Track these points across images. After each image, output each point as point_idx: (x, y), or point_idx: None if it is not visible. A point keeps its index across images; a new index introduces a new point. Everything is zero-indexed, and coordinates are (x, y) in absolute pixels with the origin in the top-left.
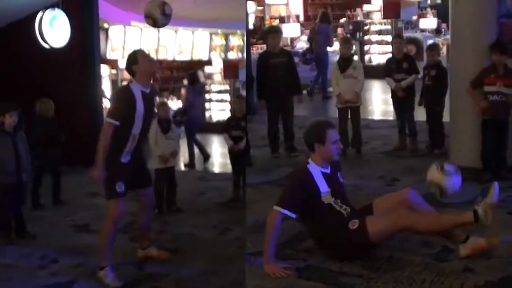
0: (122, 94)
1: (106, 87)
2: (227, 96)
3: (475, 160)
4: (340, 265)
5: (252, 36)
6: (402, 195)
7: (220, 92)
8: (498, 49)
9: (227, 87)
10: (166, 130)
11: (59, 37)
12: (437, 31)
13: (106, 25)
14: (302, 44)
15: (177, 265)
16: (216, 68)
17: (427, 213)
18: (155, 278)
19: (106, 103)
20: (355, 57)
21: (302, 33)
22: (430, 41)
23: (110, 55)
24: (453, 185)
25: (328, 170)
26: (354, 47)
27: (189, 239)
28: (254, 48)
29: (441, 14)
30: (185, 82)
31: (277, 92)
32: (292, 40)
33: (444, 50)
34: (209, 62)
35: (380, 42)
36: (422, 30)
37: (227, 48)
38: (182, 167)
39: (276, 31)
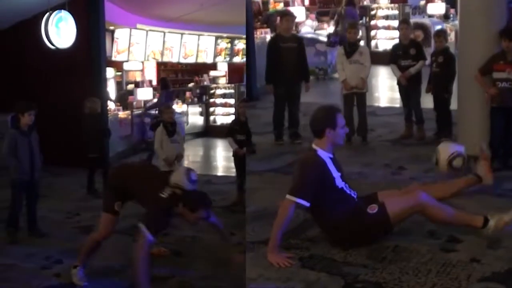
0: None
1: (111, 89)
2: (231, 100)
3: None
4: (345, 254)
5: (256, 19)
6: (412, 199)
7: (224, 96)
8: (508, 35)
9: (231, 91)
10: (172, 134)
11: (65, 39)
12: (445, 17)
13: (112, 27)
14: (307, 29)
15: (181, 267)
16: (221, 72)
17: (444, 205)
18: (158, 280)
19: (111, 105)
20: (362, 43)
21: (307, 17)
22: (438, 27)
23: (115, 57)
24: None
25: (332, 155)
26: (360, 32)
27: (192, 242)
28: (258, 32)
29: None
30: (190, 85)
31: (286, 78)
32: (297, 24)
33: (452, 36)
34: (214, 66)
35: (387, 28)
36: (430, 16)
37: (232, 52)
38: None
39: (290, 14)
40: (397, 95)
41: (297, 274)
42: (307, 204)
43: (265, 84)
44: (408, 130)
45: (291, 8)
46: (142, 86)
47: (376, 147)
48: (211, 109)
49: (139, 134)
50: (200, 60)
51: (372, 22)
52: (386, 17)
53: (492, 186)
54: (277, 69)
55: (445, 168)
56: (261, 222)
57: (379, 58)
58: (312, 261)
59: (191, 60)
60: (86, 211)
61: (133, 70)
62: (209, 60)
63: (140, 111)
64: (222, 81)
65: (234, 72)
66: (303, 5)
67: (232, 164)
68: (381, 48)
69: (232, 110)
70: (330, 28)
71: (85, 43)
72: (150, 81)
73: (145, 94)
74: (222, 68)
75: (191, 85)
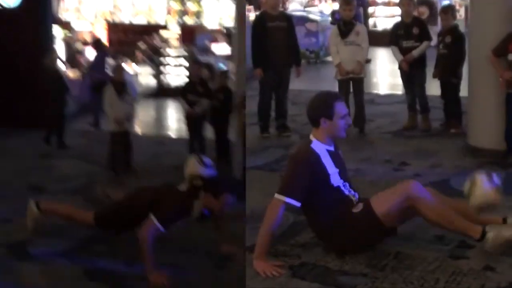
0: None
1: (61, 49)
2: (183, 61)
3: (498, 140)
4: (340, 262)
5: None
6: (402, 190)
7: (177, 57)
8: None
9: (183, 52)
10: (121, 93)
11: None
12: None
13: None
14: (296, 6)
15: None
16: (172, 33)
17: (441, 204)
18: (110, 238)
19: (61, 65)
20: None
21: None
22: (445, 2)
23: (64, 17)
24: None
25: (332, 148)
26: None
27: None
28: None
29: None
30: (141, 45)
31: (275, 61)
32: (284, 0)
33: (461, 12)
34: (165, 27)
35: (387, 4)
36: None
37: (183, 13)
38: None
39: None
40: (398, 80)
41: (287, 285)
42: (297, 204)
43: (252, 68)
44: (411, 121)
45: None
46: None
47: (375, 140)
48: (163, 70)
49: (89, 94)
50: (151, 21)
51: None
52: None
53: (507, 183)
54: (264, 51)
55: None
56: (246, 226)
57: (378, 39)
58: (303, 270)
59: (142, 20)
60: (37, 170)
61: (82, 31)
62: (161, 20)
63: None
64: (174, 42)
65: (185, 33)
66: None
67: (184, 125)
68: (380, 27)
69: (184, 71)
70: (321, 5)
71: (32, 2)
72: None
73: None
74: (174, 29)
75: (142, 46)
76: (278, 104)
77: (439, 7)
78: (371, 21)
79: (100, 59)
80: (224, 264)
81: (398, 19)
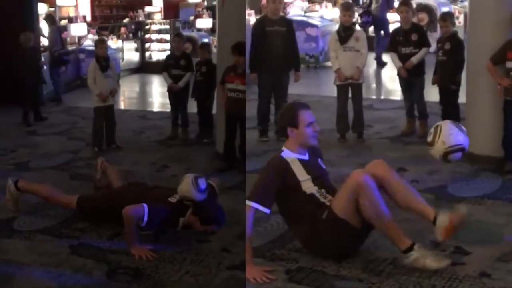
0: None
1: (44, 25)
2: (167, 36)
3: (496, 147)
4: (337, 267)
5: None
6: (349, 183)
7: (160, 31)
8: None
9: (167, 26)
10: (105, 68)
11: None
12: None
13: None
14: (296, 10)
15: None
16: (156, 8)
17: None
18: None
19: (45, 42)
20: (357, 27)
21: None
22: (445, 9)
23: None
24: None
25: (305, 157)
26: (356, 15)
27: (128, 175)
28: None
29: None
30: (125, 20)
31: (272, 65)
32: (285, 5)
33: (461, 19)
34: (149, 2)
35: None
36: None
37: None
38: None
39: None
40: (397, 86)
41: None
42: (266, 210)
43: (249, 72)
44: (409, 126)
45: None
46: (76, 22)
47: (374, 145)
48: (147, 45)
49: (73, 70)
50: None
51: None
52: None
53: (505, 190)
54: (263, 55)
55: (437, 156)
56: None
57: None
58: (300, 275)
59: None
60: (22, 147)
61: (66, 6)
62: None
63: (74, 47)
64: (158, 16)
65: (169, 7)
66: None
67: (167, 100)
68: None
69: (168, 45)
70: (322, 10)
71: None
72: (84, 17)
73: (79, 30)
74: (157, 4)
75: (126, 20)
76: (278, 108)
77: (438, 14)
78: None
79: (54, 33)
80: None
81: (397, 25)
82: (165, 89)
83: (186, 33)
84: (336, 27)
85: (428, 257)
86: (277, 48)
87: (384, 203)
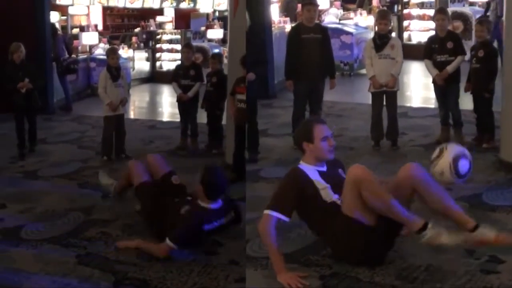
0: None
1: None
2: (178, 46)
3: None
4: (371, 273)
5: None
6: (349, 178)
7: (171, 41)
8: None
9: (178, 36)
10: (116, 78)
11: None
12: (488, 4)
13: None
14: (331, 18)
15: (124, 210)
16: (167, 18)
17: (382, 188)
18: (102, 223)
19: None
20: (393, 34)
21: (331, 4)
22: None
23: (60, 1)
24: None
25: (324, 168)
26: (392, 23)
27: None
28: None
29: None
30: (136, 30)
31: (308, 73)
32: (320, 12)
33: None
34: (160, 11)
35: (421, 17)
36: (471, 4)
37: None
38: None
39: (312, 3)
40: (432, 94)
41: None
42: (285, 218)
43: (285, 80)
44: (444, 134)
45: None
46: (88, 31)
47: (408, 153)
48: (157, 54)
49: (84, 79)
50: (146, 5)
51: (405, 11)
52: (421, 5)
53: None
54: (299, 63)
55: (446, 168)
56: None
57: (412, 52)
58: (333, 280)
59: (137, 4)
60: (31, 156)
61: (78, 15)
62: (156, 5)
63: (85, 56)
64: (169, 26)
65: (180, 17)
66: None
67: (177, 110)
68: (414, 40)
69: (179, 56)
70: (357, 18)
71: None
72: (96, 26)
73: (90, 39)
74: (169, 14)
75: (137, 30)
76: (312, 115)
77: (473, 22)
78: (405, 34)
79: (58, 43)
80: None
81: (433, 33)
82: (175, 99)
83: (197, 43)
84: (370, 34)
85: (442, 235)
86: (313, 56)
87: (386, 189)
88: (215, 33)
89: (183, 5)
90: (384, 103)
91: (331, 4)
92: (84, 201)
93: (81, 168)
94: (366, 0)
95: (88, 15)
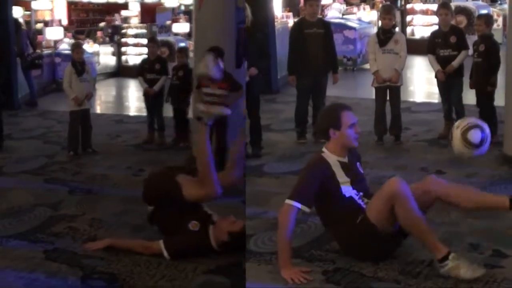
0: None
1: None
2: (143, 40)
3: None
4: (374, 269)
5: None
6: (386, 191)
7: (136, 36)
8: None
9: (143, 30)
10: (81, 73)
11: None
12: (492, 0)
13: None
14: (334, 13)
15: (91, 205)
16: (133, 12)
17: (416, 212)
18: (69, 218)
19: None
20: (397, 29)
21: None
22: (483, 11)
23: None
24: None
25: (345, 159)
26: (396, 18)
27: (103, 179)
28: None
29: None
30: (101, 24)
31: (311, 68)
32: (323, 7)
33: (499, 21)
34: (125, 6)
35: (425, 12)
36: None
37: None
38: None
39: None
40: (435, 89)
41: None
42: (307, 209)
43: (287, 75)
44: (447, 129)
45: None
46: (52, 25)
47: (411, 148)
48: (123, 49)
49: (49, 74)
50: (112, 0)
51: (408, 6)
52: (424, 0)
53: None
54: (301, 58)
55: (460, 144)
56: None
57: (416, 47)
58: (337, 276)
59: None
60: None
61: (42, 9)
62: (121, 0)
63: (50, 51)
64: (134, 21)
65: (146, 12)
66: None
67: (144, 104)
68: (417, 35)
69: (144, 50)
70: (360, 12)
71: None
72: (60, 21)
73: (55, 34)
74: (134, 8)
75: (102, 24)
76: (316, 110)
77: None
78: (409, 29)
79: (21, 38)
80: None
81: (436, 27)
82: (141, 93)
83: (163, 37)
84: (374, 29)
85: (462, 268)
86: (316, 50)
87: (419, 211)
88: (181, 27)
89: (149, 0)
90: (388, 98)
91: None
92: (51, 196)
93: (47, 163)
94: None
95: (52, 10)
